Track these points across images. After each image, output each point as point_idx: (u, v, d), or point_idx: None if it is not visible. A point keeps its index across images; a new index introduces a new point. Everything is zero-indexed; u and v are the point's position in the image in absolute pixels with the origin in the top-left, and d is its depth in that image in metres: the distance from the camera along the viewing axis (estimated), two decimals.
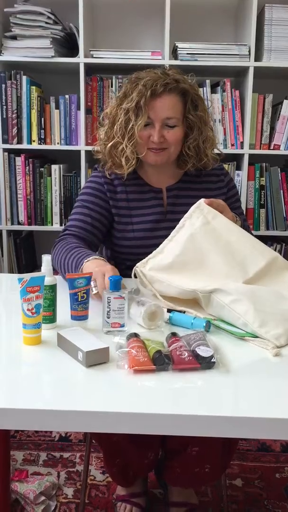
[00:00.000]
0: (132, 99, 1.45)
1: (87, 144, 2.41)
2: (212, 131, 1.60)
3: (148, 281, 1.29)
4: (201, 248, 1.30)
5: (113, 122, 1.51)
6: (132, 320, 1.20)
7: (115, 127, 1.49)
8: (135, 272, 1.31)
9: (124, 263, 1.58)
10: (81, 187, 1.63)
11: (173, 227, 1.37)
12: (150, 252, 1.34)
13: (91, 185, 1.61)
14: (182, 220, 1.35)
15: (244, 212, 2.05)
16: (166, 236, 1.37)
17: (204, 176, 1.62)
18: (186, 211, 1.38)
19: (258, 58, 2.36)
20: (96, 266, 1.28)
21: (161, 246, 1.34)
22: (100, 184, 1.59)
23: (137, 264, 1.32)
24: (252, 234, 1.49)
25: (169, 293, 1.27)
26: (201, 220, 1.34)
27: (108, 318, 1.15)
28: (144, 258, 1.35)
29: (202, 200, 1.38)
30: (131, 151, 1.48)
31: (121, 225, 1.57)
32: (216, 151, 1.64)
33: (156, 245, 1.37)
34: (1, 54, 2.33)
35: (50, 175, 2.46)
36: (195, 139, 1.53)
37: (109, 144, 1.50)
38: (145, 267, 1.31)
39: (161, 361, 0.98)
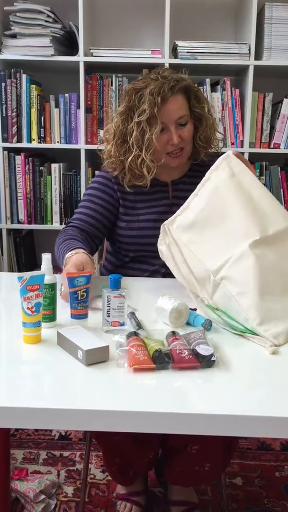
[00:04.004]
0: (144, 111, 1.46)
1: (86, 143, 2.41)
2: (212, 116, 1.63)
3: (174, 240, 1.30)
4: (224, 201, 1.29)
5: (124, 137, 1.53)
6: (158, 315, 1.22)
7: (130, 141, 1.50)
8: (162, 229, 1.33)
9: (128, 254, 1.60)
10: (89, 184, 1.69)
11: None
12: (155, 243, 1.36)
13: (97, 179, 1.64)
14: (208, 172, 1.34)
15: None
16: None
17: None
18: None
19: (258, 56, 2.35)
20: (70, 265, 1.31)
21: (187, 201, 1.33)
22: (107, 179, 1.62)
23: (165, 222, 1.33)
24: None
25: (188, 263, 1.28)
26: (227, 172, 1.32)
27: (108, 316, 1.15)
28: (148, 248, 1.38)
29: (230, 152, 1.37)
30: (150, 160, 1.50)
31: (127, 216, 1.60)
32: (218, 135, 1.68)
33: None
34: (1, 52, 2.33)
35: (50, 173, 2.46)
36: (204, 130, 1.57)
37: (129, 159, 1.51)
38: (173, 225, 1.32)
39: (161, 360, 0.98)
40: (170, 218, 1.33)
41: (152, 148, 1.49)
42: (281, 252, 1.24)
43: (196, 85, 1.59)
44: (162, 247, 1.33)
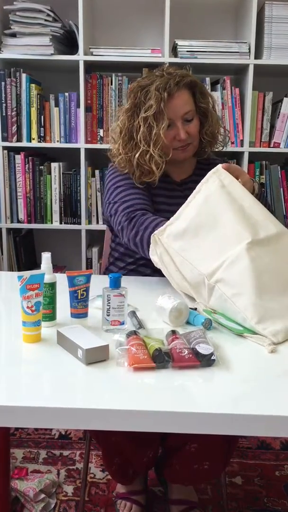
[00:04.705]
0: (150, 106, 1.47)
1: (86, 142, 2.41)
2: (216, 112, 1.64)
3: (165, 249, 1.31)
4: (215, 209, 1.30)
5: (131, 134, 1.53)
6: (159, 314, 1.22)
7: (137, 137, 1.50)
8: (153, 240, 1.33)
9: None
10: (110, 180, 1.63)
11: None
12: None
13: (121, 172, 1.60)
14: (199, 185, 1.36)
15: None
16: None
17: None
18: None
19: (258, 55, 2.35)
20: None
21: (178, 212, 1.35)
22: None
23: (155, 232, 1.34)
24: (269, 203, 1.52)
25: (181, 270, 1.28)
26: (217, 183, 1.34)
27: (108, 316, 1.15)
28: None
29: (219, 165, 1.39)
30: (159, 155, 1.50)
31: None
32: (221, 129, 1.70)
33: None
34: (1, 51, 2.32)
35: (49, 173, 2.46)
36: (210, 125, 1.59)
37: (137, 155, 1.51)
38: (163, 234, 1.33)
39: (161, 359, 0.98)
40: (160, 228, 1.34)
41: (160, 144, 1.49)
42: (275, 253, 1.25)
43: (201, 82, 1.59)
44: (154, 257, 1.34)
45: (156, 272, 1.44)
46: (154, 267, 1.39)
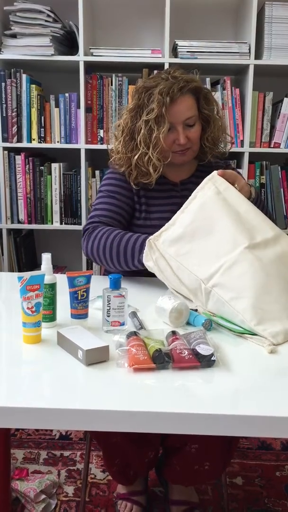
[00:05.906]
0: (152, 110, 1.48)
1: (87, 142, 2.41)
2: (221, 118, 1.64)
3: (161, 254, 1.31)
4: (211, 215, 1.31)
5: (132, 134, 1.54)
6: (159, 315, 1.22)
7: (138, 138, 1.51)
8: (148, 245, 1.33)
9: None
10: (102, 180, 1.69)
11: None
12: None
13: (113, 176, 1.64)
14: (194, 191, 1.36)
15: None
16: None
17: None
18: None
19: (258, 56, 2.35)
20: None
21: (173, 217, 1.35)
22: (122, 175, 1.62)
23: (150, 237, 1.34)
24: (266, 207, 1.57)
25: (178, 275, 1.28)
26: (213, 190, 1.35)
27: (108, 316, 1.15)
28: None
29: (215, 172, 1.39)
30: (157, 158, 1.51)
31: (143, 213, 1.62)
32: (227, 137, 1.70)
33: None
34: (1, 52, 2.32)
35: (50, 173, 2.46)
36: (212, 131, 1.59)
37: (136, 156, 1.52)
38: (159, 240, 1.33)
39: (161, 360, 0.98)
40: (155, 234, 1.34)
41: (159, 147, 1.50)
42: (273, 256, 1.25)
43: (207, 88, 1.60)
44: (149, 262, 1.34)
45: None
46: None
